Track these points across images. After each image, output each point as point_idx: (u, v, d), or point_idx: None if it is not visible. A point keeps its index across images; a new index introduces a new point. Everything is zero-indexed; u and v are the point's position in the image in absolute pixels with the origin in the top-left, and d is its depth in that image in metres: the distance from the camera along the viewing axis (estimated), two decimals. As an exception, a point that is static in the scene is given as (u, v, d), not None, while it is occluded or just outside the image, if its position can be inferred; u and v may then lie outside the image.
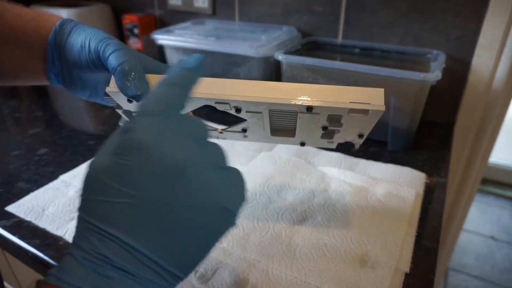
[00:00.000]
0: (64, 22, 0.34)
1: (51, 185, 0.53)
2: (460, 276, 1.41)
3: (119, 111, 0.36)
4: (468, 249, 1.53)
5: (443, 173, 0.56)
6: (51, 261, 0.41)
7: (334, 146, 0.41)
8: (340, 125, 0.34)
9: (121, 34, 1.07)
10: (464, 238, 1.58)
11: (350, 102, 0.30)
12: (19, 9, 0.34)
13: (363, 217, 0.46)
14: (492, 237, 1.59)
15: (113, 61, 0.30)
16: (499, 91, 0.70)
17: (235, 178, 0.26)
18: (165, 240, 0.22)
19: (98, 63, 0.32)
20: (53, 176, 0.55)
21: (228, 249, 0.41)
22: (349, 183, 0.52)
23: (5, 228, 0.45)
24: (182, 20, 0.95)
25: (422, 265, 0.40)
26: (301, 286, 0.37)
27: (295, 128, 0.36)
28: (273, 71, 0.73)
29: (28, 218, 0.46)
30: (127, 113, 0.37)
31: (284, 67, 0.65)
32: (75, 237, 0.22)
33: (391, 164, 0.58)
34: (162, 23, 1.01)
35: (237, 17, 0.89)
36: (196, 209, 0.22)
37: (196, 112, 0.34)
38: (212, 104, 0.32)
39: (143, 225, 0.21)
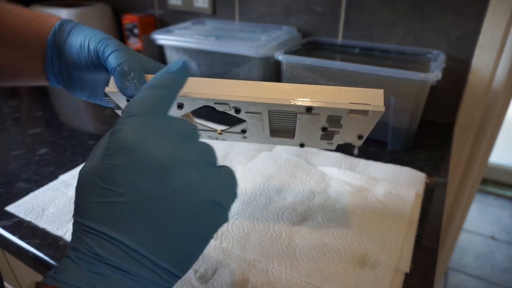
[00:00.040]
0: (63, 23, 0.34)
1: (51, 185, 0.53)
2: (460, 276, 1.41)
3: (118, 112, 0.36)
4: (468, 249, 1.53)
5: (443, 173, 0.56)
6: (51, 261, 0.41)
7: (333, 147, 0.40)
8: (340, 126, 0.34)
9: (121, 34, 1.07)
10: (464, 238, 1.58)
11: (350, 103, 0.30)
12: (18, 9, 0.34)
13: (363, 217, 0.46)
14: (492, 237, 1.59)
15: (112, 61, 0.30)
16: (499, 91, 0.70)
17: (226, 175, 0.26)
18: (157, 236, 0.22)
19: (97, 63, 0.32)
20: (53, 176, 0.55)
21: (228, 249, 0.41)
22: (349, 183, 0.52)
23: (5, 228, 0.45)
24: (182, 20, 0.95)
25: (422, 265, 0.40)
26: (301, 286, 0.37)
27: (294, 129, 0.36)
28: (273, 71, 0.73)
29: (28, 218, 0.46)
30: None
31: (284, 67, 0.65)
32: (71, 241, 0.23)
33: (391, 164, 0.58)
34: (162, 23, 1.01)
35: (237, 17, 0.89)
36: (185, 204, 0.23)
37: (196, 112, 0.34)
38: (212, 104, 0.32)
39: (133, 223, 0.22)
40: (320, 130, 0.35)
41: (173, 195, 0.23)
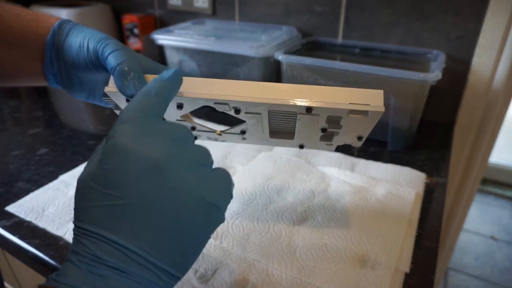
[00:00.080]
0: (62, 23, 0.34)
1: (51, 185, 0.53)
2: (460, 276, 1.41)
3: (118, 112, 0.36)
4: (468, 249, 1.53)
5: (443, 173, 0.56)
6: (51, 261, 0.41)
7: (333, 149, 0.40)
8: (340, 127, 0.34)
9: (121, 34, 1.08)
10: (464, 238, 1.58)
11: (350, 103, 0.30)
12: (18, 9, 0.34)
13: (363, 217, 0.46)
14: (492, 237, 1.59)
15: (112, 61, 0.30)
16: (499, 91, 0.70)
17: (221, 175, 0.27)
18: (155, 237, 0.23)
19: (96, 63, 0.32)
20: (53, 176, 0.55)
21: (228, 249, 0.41)
22: (349, 183, 0.52)
23: (5, 228, 0.45)
24: (182, 20, 0.95)
25: (422, 265, 0.40)
26: (301, 286, 0.37)
27: (294, 130, 0.36)
28: (273, 71, 0.73)
29: (28, 218, 0.46)
30: None
31: (284, 67, 0.65)
32: (71, 245, 0.23)
33: (391, 164, 0.58)
34: (162, 23, 1.01)
35: (237, 17, 0.89)
36: (180, 204, 0.23)
37: (196, 112, 0.34)
38: (211, 104, 0.31)
39: (131, 224, 0.23)
40: (320, 131, 0.35)
41: (168, 195, 0.23)
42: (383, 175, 0.55)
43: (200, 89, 0.30)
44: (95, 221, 0.23)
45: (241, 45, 0.69)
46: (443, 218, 0.49)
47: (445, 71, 0.59)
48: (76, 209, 0.24)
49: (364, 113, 0.30)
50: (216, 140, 0.40)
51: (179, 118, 0.36)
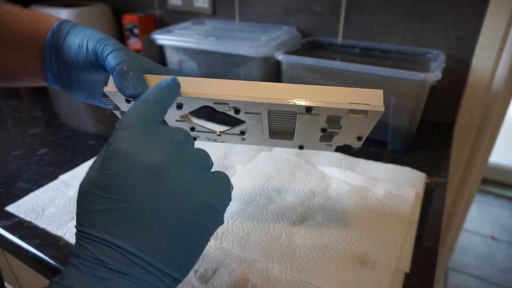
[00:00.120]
0: (62, 23, 0.34)
1: (51, 185, 0.53)
2: (460, 276, 1.41)
3: (117, 113, 0.36)
4: (468, 249, 1.53)
5: (443, 173, 0.56)
6: (51, 261, 0.41)
7: (332, 149, 0.40)
8: (339, 127, 0.34)
9: (121, 34, 1.08)
10: (464, 238, 1.58)
11: (350, 103, 0.30)
12: (17, 10, 0.34)
13: (363, 217, 0.46)
14: (492, 237, 1.59)
15: (111, 60, 0.30)
16: (499, 91, 0.70)
17: (219, 178, 0.27)
18: (155, 240, 0.23)
19: (96, 63, 0.32)
20: (53, 176, 0.55)
21: (228, 249, 0.41)
22: (349, 183, 0.52)
23: (5, 228, 0.45)
24: (182, 20, 0.95)
25: (422, 265, 0.40)
26: (301, 286, 0.37)
27: (294, 131, 0.36)
28: (273, 71, 0.73)
29: (28, 218, 0.46)
30: None
31: (284, 67, 0.65)
32: (74, 249, 0.24)
33: (391, 164, 0.58)
34: (162, 23, 1.01)
35: (237, 17, 0.89)
36: (179, 207, 0.24)
37: (196, 112, 0.34)
38: (211, 104, 0.31)
39: (132, 228, 0.23)
40: (320, 131, 0.35)
41: (167, 199, 0.24)
42: (383, 175, 0.55)
43: (199, 89, 0.30)
44: (96, 225, 0.23)
45: (241, 45, 0.69)
46: (443, 218, 0.49)
47: (445, 71, 0.59)
48: (78, 214, 0.24)
49: (364, 112, 0.30)
50: (215, 141, 0.40)
51: (179, 119, 0.36)
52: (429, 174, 0.56)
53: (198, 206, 0.24)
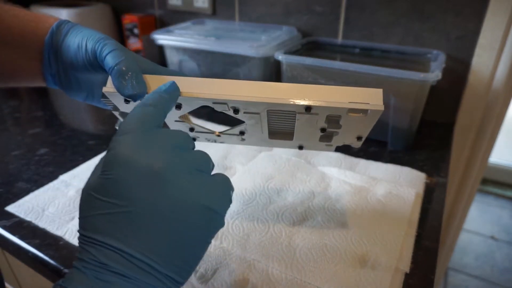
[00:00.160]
0: (61, 23, 0.34)
1: (51, 185, 0.53)
2: (460, 276, 1.41)
3: (116, 113, 0.36)
4: (468, 249, 1.53)
5: (443, 173, 0.56)
6: (51, 261, 0.41)
7: (332, 149, 0.40)
8: (339, 126, 0.34)
9: (121, 34, 1.08)
10: (464, 238, 1.58)
11: (349, 102, 0.30)
12: (17, 10, 0.34)
13: (363, 217, 0.46)
14: (492, 237, 1.59)
15: (110, 61, 0.30)
16: (499, 91, 0.70)
17: (220, 181, 0.27)
18: (155, 243, 0.23)
19: (94, 64, 0.32)
20: (53, 176, 0.55)
21: (228, 249, 0.41)
22: (349, 183, 0.52)
23: (5, 228, 0.45)
24: (182, 20, 0.95)
25: (422, 265, 0.40)
26: (301, 286, 0.37)
27: (293, 131, 0.36)
28: (273, 71, 0.73)
29: (28, 218, 0.46)
30: (124, 115, 0.36)
31: (284, 67, 0.65)
32: (77, 254, 0.24)
33: (391, 164, 0.58)
34: (162, 23, 1.01)
35: (237, 17, 0.89)
36: (179, 210, 0.24)
37: (196, 112, 0.34)
38: (210, 104, 0.31)
39: (133, 231, 0.23)
40: (319, 131, 0.35)
41: (167, 202, 0.24)
42: (383, 175, 0.55)
43: (198, 88, 0.30)
44: (98, 229, 0.23)
45: (241, 45, 0.69)
46: (443, 218, 0.49)
47: (445, 71, 0.59)
48: (80, 218, 0.25)
49: (364, 111, 0.30)
50: (215, 141, 0.40)
51: (178, 119, 0.36)
52: (429, 174, 0.56)
53: (199, 209, 0.25)
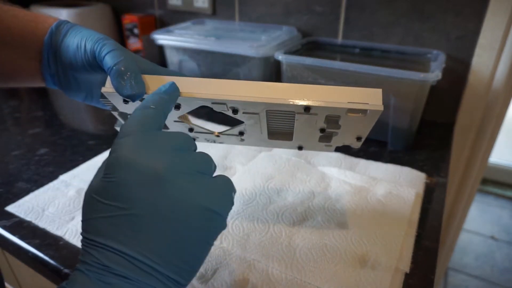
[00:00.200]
0: (60, 24, 0.34)
1: (51, 185, 0.53)
2: (460, 276, 1.41)
3: (115, 113, 0.36)
4: (468, 249, 1.53)
5: (443, 173, 0.56)
6: (51, 261, 0.41)
7: (332, 150, 0.40)
8: (338, 127, 0.33)
9: (121, 34, 1.08)
10: (464, 238, 1.58)
11: (348, 102, 0.30)
12: (16, 10, 0.34)
13: (363, 217, 0.46)
14: (492, 237, 1.59)
15: (109, 61, 0.30)
16: (499, 91, 0.70)
17: (221, 183, 0.27)
18: (157, 245, 0.24)
19: (93, 64, 0.32)
20: (53, 176, 0.55)
21: (228, 249, 0.41)
22: (349, 183, 0.52)
23: (5, 228, 0.45)
24: (182, 20, 0.95)
25: (422, 265, 0.40)
26: (301, 286, 0.37)
27: (292, 131, 0.36)
28: (273, 71, 0.73)
29: (28, 218, 0.46)
30: (123, 115, 0.36)
31: (284, 67, 0.65)
32: (80, 256, 0.24)
33: (391, 164, 0.58)
34: (162, 23, 1.01)
35: (237, 17, 0.89)
36: (181, 212, 0.24)
37: (195, 112, 0.34)
38: (209, 104, 0.31)
39: (135, 233, 0.23)
40: (319, 131, 0.35)
41: (168, 204, 0.24)
42: (383, 175, 0.55)
43: (197, 89, 0.30)
44: (101, 232, 0.23)
45: (241, 45, 0.69)
46: (443, 218, 0.49)
47: (445, 71, 0.59)
48: (83, 221, 0.25)
49: (363, 112, 0.30)
50: (214, 142, 0.40)
51: (177, 119, 0.36)
52: (429, 174, 0.56)
53: (200, 211, 0.25)
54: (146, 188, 0.24)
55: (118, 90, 0.30)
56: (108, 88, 0.31)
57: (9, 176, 0.55)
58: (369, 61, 0.70)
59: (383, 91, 0.30)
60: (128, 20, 0.97)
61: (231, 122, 0.35)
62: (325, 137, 0.36)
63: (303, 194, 0.50)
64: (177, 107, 0.32)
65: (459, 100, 0.73)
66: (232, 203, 0.28)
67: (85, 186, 0.52)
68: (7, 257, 0.55)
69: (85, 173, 0.55)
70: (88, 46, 0.32)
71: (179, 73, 0.34)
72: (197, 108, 0.33)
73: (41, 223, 0.45)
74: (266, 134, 0.37)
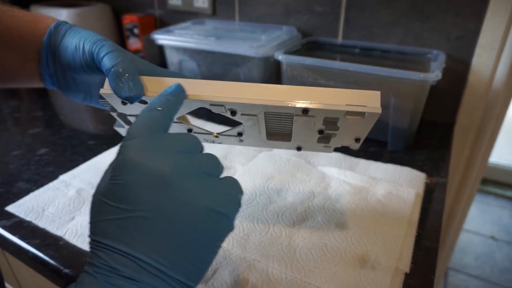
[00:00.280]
0: (59, 24, 0.34)
1: (51, 185, 0.53)
2: (460, 276, 1.41)
3: (114, 114, 0.36)
4: (468, 249, 1.53)
5: (443, 173, 0.56)
6: (51, 261, 0.41)
7: (330, 151, 0.40)
8: (337, 128, 0.33)
9: (121, 34, 1.07)
10: (464, 238, 1.58)
11: (346, 105, 0.30)
12: (15, 11, 0.34)
13: (363, 217, 0.46)
14: (492, 237, 1.59)
15: (107, 62, 0.30)
16: (499, 91, 0.70)
17: (229, 184, 0.27)
18: (164, 247, 0.23)
19: (92, 65, 0.32)
20: (53, 176, 0.55)
21: (228, 249, 0.41)
22: (349, 183, 0.52)
23: (5, 228, 0.45)
24: (182, 20, 0.95)
25: (422, 265, 0.40)
26: (301, 286, 0.37)
27: (291, 132, 0.36)
28: (273, 71, 0.73)
29: (28, 218, 0.46)
30: (122, 116, 0.36)
31: (284, 67, 0.65)
32: (88, 258, 0.24)
33: (391, 164, 0.58)
34: (162, 23, 1.01)
35: (237, 17, 0.89)
36: (188, 214, 0.24)
37: (195, 113, 0.34)
38: (207, 106, 0.31)
39: (141, 236, 0.23)
40: (317, 132, 0.35)
41: (175, 206, 0.24)
42: (383, 175, 0.55)
43: (195, 90, 0.30)
44: (108, 234, 0.23)
45: (241, 45, 0.69)
46: (443, 218, 0.49)
47: (445, 71, 0.59)
48: (91, 223, 0.25)
49: (361, 114, 0.30)
50: (213, 142, 0.40)
51: (176, 120, 0.36)
52: (429, 174, 0.56)
53: (207, 213, 0.25)
54: (152, 190, 0.24)
55: (116, 91, 0.30)
56: (106, 89, 0.31)
57: (9, 176, 0.55)
58: (369, 61, 0.70)
59: (383, 91, 0.30)
60: (128, 20, 0.97)
61: (231, 122, 0.35)
62: (324, 138, 0.36)
63: (303, 194, 0.50)
64: None
65: (459, 100, 0.73)
66: (240, 205, 0.27)
67: (85, 186, 0.52)
68: (7, 257, 0.56)
69: (85, 173, 0.55)
70: (87, 47, 0.32)
71: (178, 73, 0.34)
72: (196, 109, 0.33)
73: (41, 223, 0.45)
74: (265, 135, 0.37)
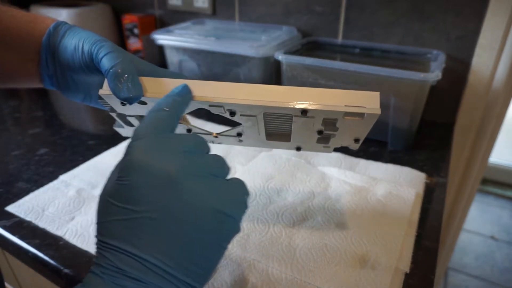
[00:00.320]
0: (58, 24, 0.34)
1: (51, 185, 0.53)
2: (460, 276, 1.41)
3: (113, 114, 0.36)
4: (468, 249, 1.53)
5: (443, 173, 0.56)
6: (51, 261, 0.41)
7: (330, 151, 0.40)
8: (336, 129, 0.33)
9: (121, 34, 1.07)
10: (464, 238, 1.58)
11: (345, 106, 0.30)
12: (14, 11, 0.34)
13: (363, 217, 0.46)
14: (492, 237, 1.59)
15: (106, 63, 0.30)
16: (499, 91, 0.70)
17: (235, 186, 0.27)
18: (170, 248, 0.23)
19: (91, 66, 0.32)
20: (53, 176, 0.55)
21: (228, 249, 0.41)
22: (349, 183, 0.52)
23: (5, 228, 0.45)
24: (182, 20, 0.95)
25: (422, 265, 0.40)
26: (301, 286, 0.37)
27: (290, 133, 0.36)
28: (273, 71, 0.73)
29: (28, 218, 0.46)
30: (121, 116, 0.36)
31: (284, 67, 0.65)
32: (94, 259, 0.24)
33: (391, 164, 0.58)
34: (162, 23, 1.01)
35: (237, 17, 0.89)
36: (194, 215, 0.24)
37: (195, 113, 0.34)
38: (206, 107, 0.31)
39: (147, 236, 0.23)
40: (316, 133, 0.35)
41: (181, 207, 0.24)
42: (383, 175, 0.55)
43: (194, 91, 0.30)
44: (115, 234, 0.23)
45: (241, 45, 0.69)
46: (443, 218, 0.49)
47: (445, 71, 0.59)
48: (97, 224, 0.25)
49: (360, 115, 0.30)
50: (212, 142, 0.40)
51: None
52: (429, 174, 0.56)
53: (212, 213, 0.25)
54: (159, 191, 0.24)
55: (115, 92, 0.30)
56: (105, 90, 0.31)
57: (9, 176, 0.55)
58: (369, 61, 0.70)
59: (383, 91, 0.30)
60: (128, 20, 0.97)
61: (231, 122, 0.35)
62: (323, 138, 0.36)
63: (303, 194, 0.50)
64: None
65: (459, 100, 0.73)
66: (246, 206, 0.27)
67: (85, 186, 0.52)
68: (7, 257, 0.56)
69: (85, 173, 0.55)
70: (86, 48, 0.32)
71: (178, 74, 0.34)
72: (196, 109, 0.33)
73: (41, 223, 0.45)
74: (264, 136, 0.37)
